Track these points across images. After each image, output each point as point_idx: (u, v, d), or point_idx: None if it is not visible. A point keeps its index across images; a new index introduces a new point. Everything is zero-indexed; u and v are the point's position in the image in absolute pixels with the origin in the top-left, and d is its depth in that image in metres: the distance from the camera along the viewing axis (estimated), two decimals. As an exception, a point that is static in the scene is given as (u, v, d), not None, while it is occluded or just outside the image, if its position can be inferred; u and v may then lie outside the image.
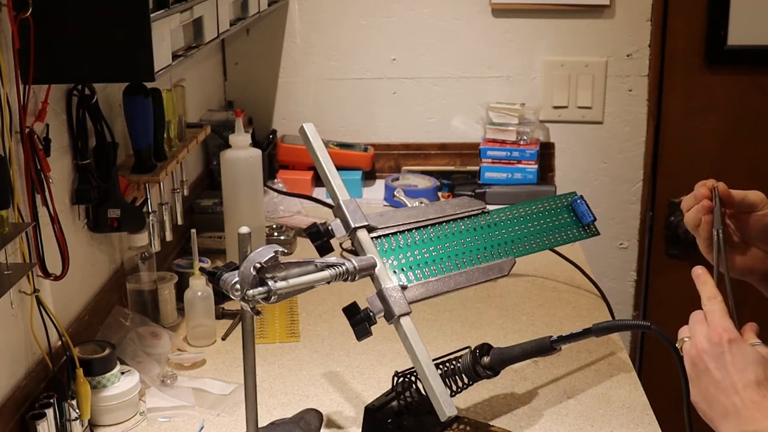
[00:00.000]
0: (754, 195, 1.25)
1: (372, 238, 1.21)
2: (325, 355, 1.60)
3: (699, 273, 1.12)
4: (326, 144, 1.30)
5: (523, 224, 1.36)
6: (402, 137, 2.55)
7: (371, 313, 1.15)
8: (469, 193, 2.31)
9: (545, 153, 2.49)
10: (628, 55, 2.45)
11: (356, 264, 1.14)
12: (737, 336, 1.04)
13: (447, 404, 1.09)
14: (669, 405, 1.58)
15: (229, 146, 1.87)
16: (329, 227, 1.21)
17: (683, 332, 1.09)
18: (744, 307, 1.31)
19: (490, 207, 1.36)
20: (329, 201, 1.28)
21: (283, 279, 1.05)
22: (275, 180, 2.30)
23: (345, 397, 1.46)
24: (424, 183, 2.37)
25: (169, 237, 1.69)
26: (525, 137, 2.38)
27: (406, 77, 2.51)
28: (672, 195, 2.53)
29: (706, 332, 1.05)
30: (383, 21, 2.47)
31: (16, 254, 1.23)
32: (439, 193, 2.37)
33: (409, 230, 1.26)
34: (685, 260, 2.56)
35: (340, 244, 1.86)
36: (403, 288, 1.18)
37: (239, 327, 1.57)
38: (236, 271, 1.06)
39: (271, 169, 2.39)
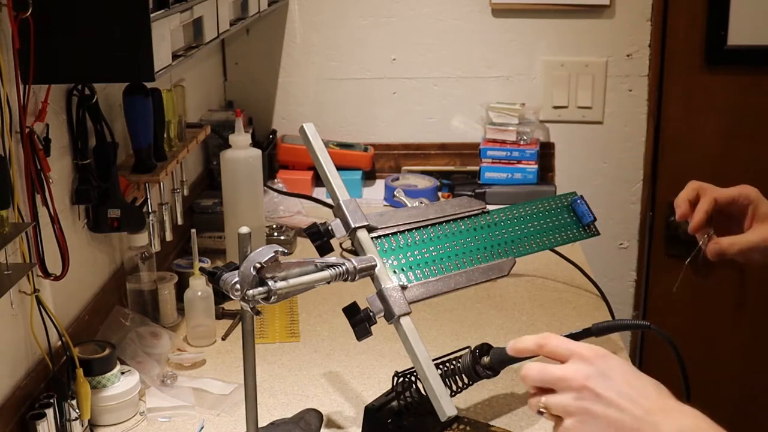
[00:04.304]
0: (750, 254, 1.30)
1: (372, 238, 1.21)
2: (325, 355, 1.60)
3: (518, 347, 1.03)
4: (326, 144, 1.30)
5: (523, 224, 1.36)
6: (402, 137, 2.55)
7: (371, 313, 1.15)
8: (469, 193, 2.31)
9: (545, 153, 2.49)
10: (628, 55, 2.45)
11: (356, 264, 1.14)
12: (603, 350, 0.96)
13: (447, 404, 1.09)
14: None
15: (229, 146, 1.87)
16: (329, 227, 1.21)
17: (534, 402, 0.98)
18: (744, 309, 1.31)
19: (490, 207, 1.36)
20: (329, 201, 1.27)
21: (283, 279, 1.05)
22: (275, 180, 2.30)
23: (345, 397, 1.46)
24: (424, 183, 2.37)
25: (169, 237, 1.69)
26: (525, 137, 2.39)
27: (406, 77, 2.51)
28: (672, 195, 2.52)
29: (576, 364, 0.94)
30: (383, 21, 2.47)
31: (16, 254, 1.23)
32: (439, 193, 2.37)
33: (409, 230, 1.26)
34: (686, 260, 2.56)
35: (340, 244, 1.86)
36: (403, 288, 1.17)
37: (239, 327, 1.57)
38: (236, 271, 1.06)
39: (271, 169, 2.40)
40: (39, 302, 1.28)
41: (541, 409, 0.96)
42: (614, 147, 2.51)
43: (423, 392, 1.23)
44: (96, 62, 1.21)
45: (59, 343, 1.35)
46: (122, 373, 1.40)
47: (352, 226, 1.21)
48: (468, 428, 1.33)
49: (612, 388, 0.92)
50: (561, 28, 2.44)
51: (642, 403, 0.90)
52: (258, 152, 1.90)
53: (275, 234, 2.03)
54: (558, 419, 0.95)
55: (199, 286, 1.63)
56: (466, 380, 1.32)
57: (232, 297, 1.05)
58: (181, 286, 1.68)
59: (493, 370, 1.31)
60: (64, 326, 1.34)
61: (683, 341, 1.21)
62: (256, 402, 1.18)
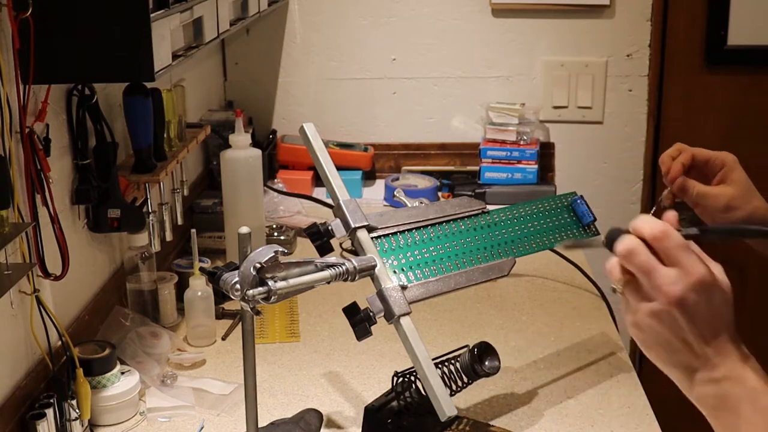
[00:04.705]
0: (712, 202, 1.32)
1: (372, 238, 1.21)
2: (325, 355, 1.59)
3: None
4: (326, 144, 1.30)
5: (523, 224, 1.36)
6: (402, 137, 2.55)
7: (371, 313, 1.15)
8: (469, 193, 2.31)
9: (545, 153, 2.49)
10: (628, 55, 2.45)
11: (356, 264, 1.14)
12: (713, 280, 0.89)
13: (447, 404, 1.09)
14: (669, 405, 1.58)
15: (229, 146, 1.87)
16: (329, 227, 1.21)
17: (618, 275, 0.92)
18: (744, 309, 1.31)
19: (490, 207, 1.36)
20: (329, 201, 1.27)
21: (283, 279, 1.05)
22: (275, 180, 2.30)
23: (345, 397, 1.46)
24: (424, 183, 2.37)
25: (169, 237, 1.69)
26: (525, 137, 2.38)
27: (406, 77, 2.51)
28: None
29: (682, 278, 0.88)
30: (383, 21, 2.47)
31: (16, 254, 1.23)
32: (439, 193, 2.37)
33: (409, 230, 1.26)
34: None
35: (340, 244, 1.86)
36: (403, 288, 1.17)
37: (239, 327, 1.57)
38: (236, 271, 1.06)
39: (271, 169, 2.39)
40: (39, 302, 1.28)
41: (616, 287, 0.92)
42: (614, 147, 2.51)
43: (423, 392, 1.23)
44: (96, 62, 1.21)
45: (59, 343, 1.35)
46: (122, 373, 1.40)
47: (352, 226, 1.20)
48: (468, 428, 1.33)
49: (695, 321, 0.89)
50: (561, 28, 2.44)
51: (707, 354, 0.90)
52: (258, 152, 1.90)
53: (275, 234, 2.03)
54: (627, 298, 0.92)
55: (199, 286, 1.63)
56: (465, 380, 1.32)
57: (232, 297, 1.05)
58: (181, 286, 1.68)
59: (493, 369, 1.31)
60: (64, 326, 1.34)
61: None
62: (256, 402, 1.18)
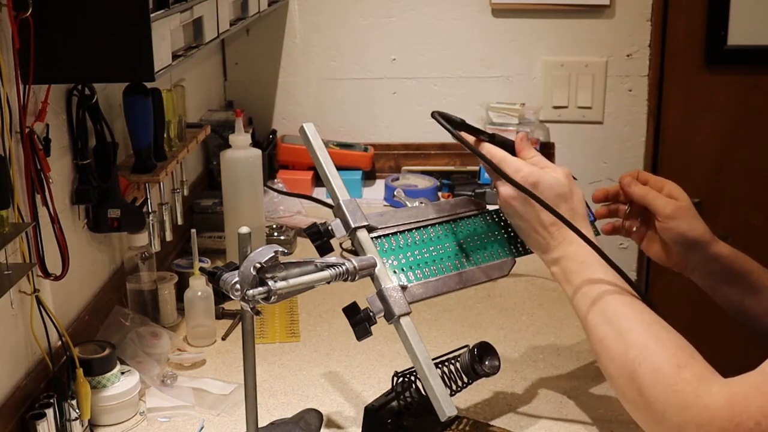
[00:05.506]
0: (662, 203, 1.37)
1: (372, 238, 1.21)
2: (325, 355, 1.60)
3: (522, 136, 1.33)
4: (326, 144, 1.30)
5: (523, 224, 1.36)
6: (402, 137, 2.55)
7: (371, 313, 1.15)
8: (469, 193, 2.31)
9: (545, 153, 2.46)
10: (628, 55, 2.45)
11: (356, 264, 1.14)
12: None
13: (447, 404, 1.09)
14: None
15: (229, 146, 1.87)
16: (329, 227, 1.21)
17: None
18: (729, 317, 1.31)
19: (490, 207, 1.36)
20: (329, 201, 1.27)
21: (283, 279, 1.05)
22: (275, 180, 2.30)
23: (345, 397, 1.46)
24: (424, 183, 2.37)
25: (169, 237, 1.69)
26: (525, 137, 2.38)
27: (406, 77, 2.51)
28: (672, 195, 2.53)
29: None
30: (383, 21, 2.47)
31: (16, 254, 1.23)
32: (439, 193, 2.37)
33: (409, 230, 1.26)
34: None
35: (340, 244, 1.86)
36: (403, 288, 1.17)
37: (239, 327, 1.57)
38: (236, 271, 1.06)
39: (271, 169, 2.40)
40: (39, 302, 1.28)
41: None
42: (614, 147, 2.51)
43: (423, 392, 1.23)
44: (96, 62, 1.21)
45: (59, 343, 1.35)
46: (122, 373, 1.40)
47: (352, 226, 1.20)
48: (468, 428, 1.33)
49: (530, 211, 1.21)
50: (561, 28, 2.44)
51: (547, 238, 1.20)
52: (258, 152, 1.90)
53: (275, 234, 2.03)
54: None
55: (199, 286, 1.63)
56: (465, 379, 1.32)
57: (232, 297, 1.05)
58: (181, 286, 1.68)
59: (493, 368, 1.31)
60: (64, 326, 1.34)
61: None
62: (256, 402, 1.18)
